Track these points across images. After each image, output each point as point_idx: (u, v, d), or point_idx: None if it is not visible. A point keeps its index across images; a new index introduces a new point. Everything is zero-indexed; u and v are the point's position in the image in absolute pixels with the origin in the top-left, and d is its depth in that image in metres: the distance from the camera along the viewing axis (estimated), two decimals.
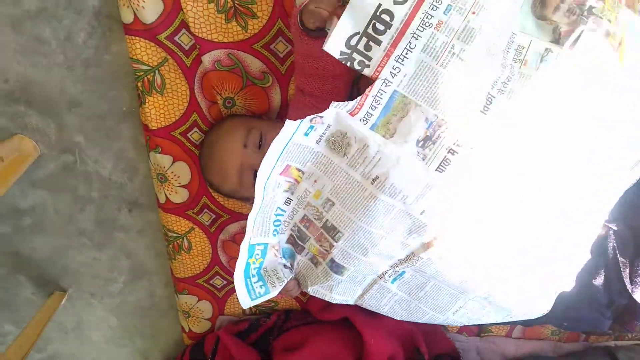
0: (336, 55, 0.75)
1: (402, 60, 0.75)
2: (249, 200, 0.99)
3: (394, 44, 0.74)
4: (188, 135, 1.08)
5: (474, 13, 0.73)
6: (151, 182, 1.18)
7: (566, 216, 0.85)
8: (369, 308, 1.00)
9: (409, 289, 0.94)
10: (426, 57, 0.74)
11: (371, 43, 0.74)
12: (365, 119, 0.78)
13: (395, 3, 0.73)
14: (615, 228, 1.00)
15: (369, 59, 0.75)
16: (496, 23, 0.74)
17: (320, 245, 0.89)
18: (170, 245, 1.22)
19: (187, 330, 1.35)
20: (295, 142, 0.78)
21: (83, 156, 1.18)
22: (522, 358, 1.35)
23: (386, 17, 0.73)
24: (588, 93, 0.78)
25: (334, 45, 0.75)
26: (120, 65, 1.07)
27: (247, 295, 0.86)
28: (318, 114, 0.76)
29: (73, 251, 1.33)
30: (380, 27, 0.74)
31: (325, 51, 0.75)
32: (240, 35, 0.96)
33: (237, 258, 1.18)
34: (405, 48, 0.74)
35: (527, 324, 1.28)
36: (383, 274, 0.92)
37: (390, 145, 0.77)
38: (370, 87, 0.76)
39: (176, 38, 0.98)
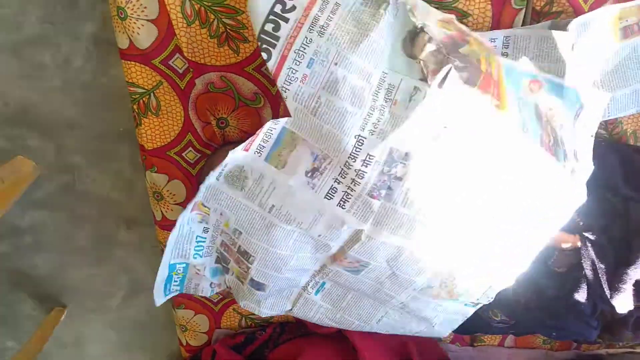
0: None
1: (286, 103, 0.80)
2: None
3: (283, 56, 0.79)
4: (183, 154, 1.11)
5: (336, 64, 0.77)
6: (148, 199, 1.21)
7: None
8: (300, 317, 1.05)
9: (331, 300, 1.00)
10: (299, 105, 0.80)
11: (266, 46, 0.79)
12: (259, 152, 0.83)
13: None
14: (592, 237, 1.03)
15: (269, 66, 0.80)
16: (362, 68, 0.77)
17: (239, 267, 0.95)
18: None
19: (184, 343, 1.37)
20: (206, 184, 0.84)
21: (81, 176, 1.22)
22: None
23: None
24: (465, 131, 0.79)
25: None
26: (116, 88, 1.11)
27: (162, 295, 0.96)
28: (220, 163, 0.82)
29: (72, 268, 1.36)
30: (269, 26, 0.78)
31: None
32: (232, 59, 0.99)
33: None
34: (282, 95, 0.80)
35: (518, 333, 1.31)
36: (306, 287, 0.98)
37: (283, 176, 0.82)
38: (260, 128, 0.81)
39: (170, 62, 1.01)
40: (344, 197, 0.82)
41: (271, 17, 0.78)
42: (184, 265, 0.97)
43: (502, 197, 0.84)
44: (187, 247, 0.95)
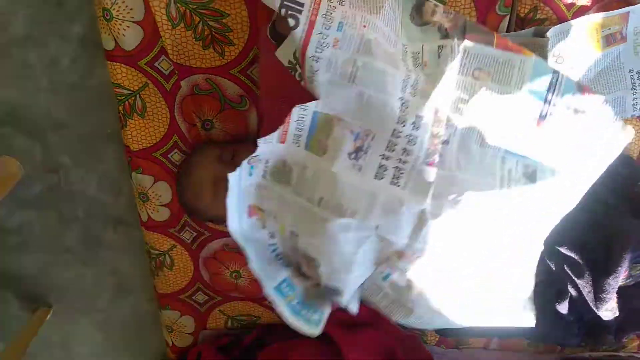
0: (285, 63, 0.79)
1: (311, 82, 0.77)
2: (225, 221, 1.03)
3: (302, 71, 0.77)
4: (169, 156, 1.11)
5: (364, 26, 0.76)
6: (134, 200, 1.21)
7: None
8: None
9: (399, 289, 0.92)
10: (333, 76, 0.77)
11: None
12: (296, 141, 0.79)
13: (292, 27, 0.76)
14: (568, 255, 1.02)
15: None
16: (387, 34, 0.78)
17: (311, 272, 0.89)
18: (153, 262, 1.24)
19: (170, 344, 1.38)
20: (245, 185, 0.80)
21: (68, 176, 1.22)
22: None
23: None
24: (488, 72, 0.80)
25: (283, 55, 0.79)
26: (103, 89, 1.11)
27: (309, 327, 0.86)
28: (252, 155, 0.77)
29: (59, 268, 1.36)
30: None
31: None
32: (217, 61, 1.00)
33: (218, 274, 1.23)
34: (310, 72, 0.76)
35: (503, 336, 1.31)
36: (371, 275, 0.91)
37: (325, 163, 0.79)
38: (288, 115, 0.78)
39: (156, 64, 1.02)
40: (396, 173, 0.78)
41: None
42: (286, 281, 0.88)
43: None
44: (271, 258, 0.88)
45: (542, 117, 0.81)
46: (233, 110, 1.06)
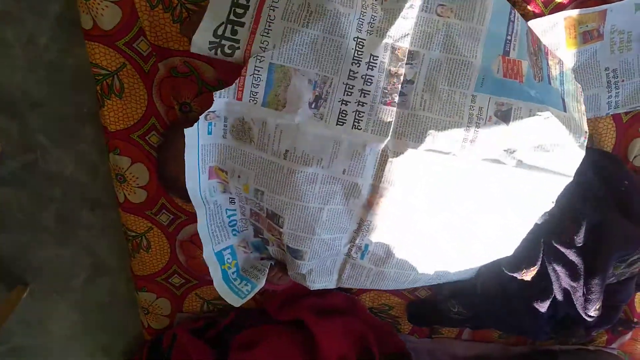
0: (205, 47, 0.80)
1: (267, 33, 0.78)
2: None
3: (256, 21, 0.78)
4: (146, 138, 1.11)
5: None
6: (112, 181, 1.21)
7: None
8: (352, 287, 1.02)
9: (380, 260, 0.94)
10: (287, 23, 0.78)
11: (236, 27, 0.79)
12: (253, 99, 0.79)
13: None
14: (563, 253, 1.03)
15: (237, 41, 0.79)
16: None
17: (272, 235, 0.91)
18: (130, 244, 1.25)
19: (146, 326, 1.38)
20: (205, 143, 0.80)
21: (45, 156, 1.21)
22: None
23: (243, 1, 0.78)
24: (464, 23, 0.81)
25: (201, 40, 0.80)
26: (82, 69, 1.10)
27: (235, 297, 0.89)
28: (209, 110, 0.78)
29: (35, 247, 1.36)
30: (239, 10, 0.78)
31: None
32: None
33: (194, 257, 1.24)
34: (266, 21, 0.78)
35: (473, 326, 1.33)
36: (349, 253, 0.93)
37: (286, 116, 0.79)
38: (244, 67, 0.78)
39: (134, 45, 1.01)
40: (357, 116, 0.79)
41: None
42: (230, 249, 0.91)
43: None
44: (222, 225, 0.89)
45: (506, 52, 0.81)
46: (210, 93, 1.05)
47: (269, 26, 0.78)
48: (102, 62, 1.02)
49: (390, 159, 0.80)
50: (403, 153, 0.80)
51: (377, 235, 0.90)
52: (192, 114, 1.08)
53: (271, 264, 0.98)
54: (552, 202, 0.87)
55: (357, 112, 0.79)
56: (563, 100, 0.84)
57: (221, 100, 0.79)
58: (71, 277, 1.41)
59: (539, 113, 0.78)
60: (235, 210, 0.91)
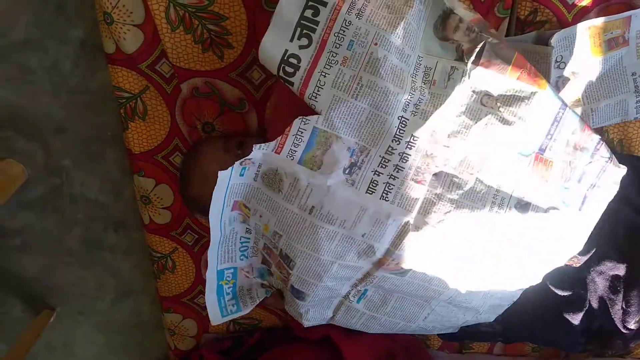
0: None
1: (315, 97, 0.78)
2: None
3: (305, 84, 0.78)
4: (170, 159, 1.12)
5: (376, 44, 0.77)
6: (136, 203, 1.21)
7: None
8: (342, 325, 1.03)
9: (375, 306, 0.97)
10: (337, 91, 0.78)
11: (285, 85, 0.79)
12: (291, 155, 0.81)
13: (300, 47, 0.78)
14: (603, 269, 1.01)
15: None
16: (401, 49, 0.78)
17: (280, 272, 0.93)
18: (155, 265, 1.25)
19: (172, 347, 1.38)
20: (235, 183, 0.81)
21: (70, 179, 1.22)
22: None
23: (294, 61, 0.78)
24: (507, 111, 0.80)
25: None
26: (105, 92, 1.12)
27: (218, 314, 0.90)
28: (246, 157, 0.80)
29: (61, 270, 1.37)
30: (289, 69, 0.78)
31: None
32: (216, 64, 1.00)
33: None
34: (316, 86, 0.78)
35: (505, 340, 1.30)
36: (347, 295, 0.95)
37: (319, 177, 0.80)
38: (288, 127, 0.79)
39: (157, 67, 1.02)
40: (386, 188, 0.81)
41: (310, 3, 0.77)
42: (232, 270, 0.93)
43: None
44: (233, 248, 0.91)
45: (541, 150, 0.81)
46: (232, 112, 1.06)
47: (318, 91, 0.78)
48: (125, 85, 1.03)
49: (411, 232, 0.82)
50: (423, 229, 0.82)
51: (378, 284, 0.92)
52: (214, 133, 1.08)
53: (266, 296, 1.00)
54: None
55: (388, 184, 0.81)
56: (584, 200, 0.85)
57: (259, 151, 0.80)
58: (96, 299, 1.42)
59: (554, 212, 0.82)
60: (249, 239, 0.94)
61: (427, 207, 0.82)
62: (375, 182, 0.80)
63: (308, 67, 0.78)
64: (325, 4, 0.77)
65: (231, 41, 0.97)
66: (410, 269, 0.87)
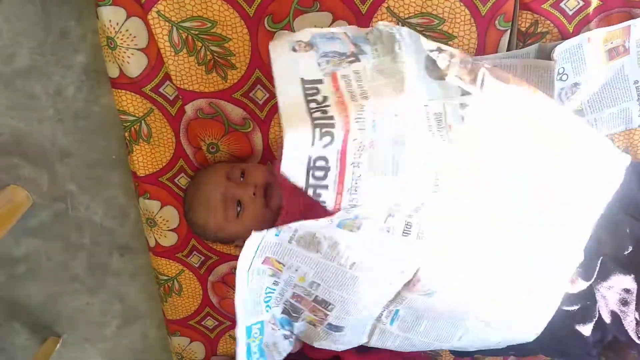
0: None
1: (355, 191, 0.73)
2: (235, 240, 1.03)
3: (340, 182, 0.73)
4: (175, 180, 1.11)
5: (396, 115, 0.73)
6: (142, 226, 1.21)
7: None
8: (379, 347, 1.00)
9: (407, 327, 0.94)
10: (376, 176, 0.74)
11: (318, 191, 0.72)
12: (330, 220, 0.76)
13: (325, 147, 0.70)
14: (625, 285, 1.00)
15: (324, 202, 0.73)
16: (413, 109, 0.75)
17: (315, 315, 0.90)
18: (161, 288, 1.24)
19: None
20: (269, 240, 0.79)
21: (75, 204, 1.22)
22: None
23: (321, 163, 0.71)
24: (516, 122, 0.81)
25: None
26: (108, 116, 1.12)
27: None
28: (286, 225, 0.76)
29: (66, 297, 1.35)
30: (319, 173, 0.71)
31: None
32: (220, 85, 1.00)
33: (227, 298, 1.22)
34: (352, 180, 0.73)
35: (520, 354, 1.29)
36: (380, 317, 0.92)
37: (359, 236, 0.78)
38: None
39: (161, 89, 1.02)
40: (420, 230, 0.79)
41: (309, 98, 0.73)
42: (260, 325, 0.90)
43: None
44: (258, 301, 0.88)
45: None
46: (237, 132, 1.06)
47: (357, 184, 0.74)
48: (129, 109, 1.03)
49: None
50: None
51: (409, 305, 0.90)
52: (219, 153, 1.08)
53: (290, 348, 0.99)
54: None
55: (419, 224, 0.79)
56: None
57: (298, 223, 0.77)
58: (102, 325, 1.40)
59: None
60: (274, 290, 0.90)
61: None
62: (409, 224, 0.78)
63: (339, 164, 0.72)
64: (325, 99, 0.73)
65: (234, 62, 0.98)
66: (436, 291, 0.86)
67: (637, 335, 1.02)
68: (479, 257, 0.86)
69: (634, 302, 1.00)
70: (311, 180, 0.72)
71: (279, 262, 0.84)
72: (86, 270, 1.31)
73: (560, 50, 0.93)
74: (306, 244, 0.80)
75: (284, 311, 0.93)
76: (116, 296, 1.36)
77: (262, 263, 0.83)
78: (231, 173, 0.98)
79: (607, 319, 1.04)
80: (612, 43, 0.97)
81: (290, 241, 0.81)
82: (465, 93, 0.77)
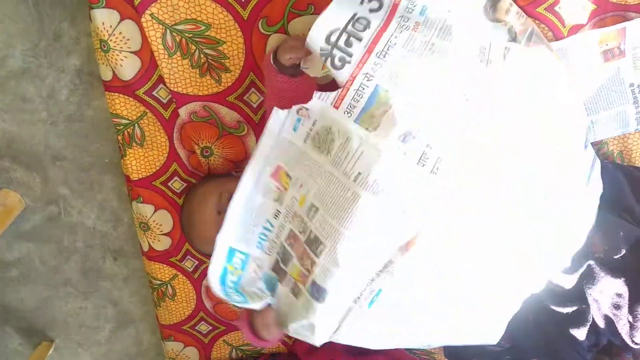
0: (319, 44, 0.77)
1: (384, 56, 0.76)
2: None
3: (375, 41, 0.76)
4: (169, 184, 1.11)
5: (449, 11, 0.77)
6: (135, 230, 1.20)
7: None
8: (344, 342, 0.96)
9: (384, 313, 0.90)
10: (407, 52, 0.76)
11: (352, 39, 0.76)
12: (349, 112, 0.76)
13: (371, 11, 0.76)
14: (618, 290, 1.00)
15: (350, 55, 0.76)
16: (468, 23, 0.79)
17: (302, 265, 0.86)
18: (155, 293, 1.23)
19: None
20: (285, 137, 0.79)
21: (68, 207, 1.21)
22: None
23: (364, 22, 0.76)
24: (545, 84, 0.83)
25: (314, 41, 0.77)
26: (101, 120, 1.11)
27: (221, 290, 0.84)
28: (304, 105, 0.76)
29: (59, 301, 1.34)
30: (359, 26, 0.76)
31: (301, 90, 0.81)
32: (214, 89, 1.00)
33: (221, 303, 1.21)
34: (386, 44, 0.76)
35: (516, 357, 1.28)
36: (358, 298, 0.88)
37: (373, 139, 0.76)
38: (350, 80, 0.76)
39: (154, 93, 1.02)
40: (437, 163, 0.76)
41: None
42: (245, 257, 0.86)
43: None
44: (253, 229, 0.86)
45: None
46: (231, 136, 1.05)
47: (388, 49, 0.76)
48: (122, 112, 1.02)
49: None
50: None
51: (394, 281, 0.86)
52: (212, 157, 1.07)
53: (269, 303, 0.92)
54: None
55: (439, 159, 0.77)
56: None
57: (318, 102, 0.77)
58: (96, 330, 1.39)
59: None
60: (273, 227, 0.88)
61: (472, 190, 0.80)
62: (426, 155, 0.76)
63: (378, 29, 0.76)
64: None
65: (228, 65, 0.97)
66: (425, 269, 0.84)
67: (631, 338, 1.01)
68: (489, 247, 0.84)
69: (627, 306, 0.99)
70: (349, 27, 0.76)
71: (288, 176, 0.82)
72: (79, 274, 1.30)
73: (555, 49, 0.93)
74: (319, 142, 0.79)
75: (274, 266, 0.89)
76: (109, 300, 1.35)
77: (272, 176, 0.82)
78: (221, 205, 0.96)
79: (601, 323, 1.04)
80: (607, 45, 0.96)
81: (306, 140, 0.80)
82: (512, 39, 0.81)
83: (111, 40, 0.95)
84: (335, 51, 0.76)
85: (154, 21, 0.93)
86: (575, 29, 0.95)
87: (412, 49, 0.76)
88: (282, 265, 0.88)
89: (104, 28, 0.94)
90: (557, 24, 0.95)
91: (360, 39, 0.76)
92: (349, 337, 0.95)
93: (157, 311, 1.26)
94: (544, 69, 0.83)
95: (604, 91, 1.00)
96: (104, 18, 0.93)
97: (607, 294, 1.00)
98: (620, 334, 1.02)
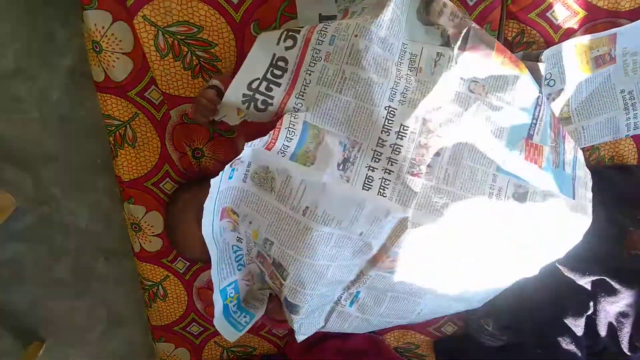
0: (239, 99, 0.80)
1: (302, 96, 0.79)
2: None
3: (292, 85, 0.79)
4: (160, 185, 1.10)
5: (356, 36, 0.77)
6: (127, 231, 1.20)
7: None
8: (333, 331, 1.00)
9: (368, 309, 0.94)
10: (322, 87, 0.78)
11: (272, 85, 0.80)
12: (282, 151, 0.79)
13: (287, 49, 0.79)
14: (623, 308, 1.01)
15: (271, 97, 0.80)
16: (384, 38, 0.78)
17: (274, 283, 0.90)
18: (146, 293, 1.22)
19: None
20: (223, 188, 0.80)
21: (59, 208, 1.21)
22: None
23: (282, 64, 0.80)
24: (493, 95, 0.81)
25: (235, 91, 0.80)
26: (93, 120, 1.11)
27: (233, 331, 0.89)
28: (237, 158, 0.77)
29: (51, 301, 1.34)
30: (277, 72, 0.80)
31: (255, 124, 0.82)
32: None
33: (212, 304, 1.21)
34: (302, 85, 0.79)
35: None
36: (339, 300, 0.92)
37: (313, 173, 0.78)
38: (280, 120, 0.78)
39: (146, 94, 1.02)
40: (383, 183, 0.78)
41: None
42: (234, 284, 0.91)
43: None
44: (229, 262, 0.89)
45: (530, 136, 0.82)
46: (222, 138, 1.05)
47: (304, 89, 0.79)
48: (114, 113, 1.02)
49: (408, 229, 0.80)
50: (422, 225, 0.80)
51: (372, 284, 0.89)
52: (203, 159, 1.07)
53: (270, 293, 0.96)
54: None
55: (384, 180, 0.79)
56: (573, 187, 0.86)
57: (250, 148, 0.78)
58: (87, 330, 1.39)
59: (552, 199, 0.81)
60: (240, 248, 0.91)
61: (424, 201, 0.79)
62: (370, 177, 0.78)
63: (295, 68, 0.79)
64: None
65: (220, 67, 0.97)
66: (402, 268, 0.85)
67: (629, 347, 1.02)
68: (487, 241, 0.85)
69: (634, 316, 1.00)
70: (269, 75, 0.80)
71: (234, 213, 0.85)
72: (71, 274, 1.30)
73: (547, 54, 0.93)
74: (260, 181, 0.81)
75: (260, 269, 0.93)
76: (101, 301, 1.35)
77: (221, 219, 0.84)
78: (200, 216, 0.96)
79: (603, 331, 1.04)
80: (598, 50, 0.97)
81: (245, 179, 0.82)
82: (444, 44, 0.80)
83: (103, 41, 0.95)
84: (257, 95, 0.80)
85: (147, 23, 0.93)
86: (567, 35, 0.95)
87: (326, 82, 0.79)
88: (262, 273, 0.92)
89: (96, 29, 0.94)
90: (549, 30, 0.95)
91: (279, 85, 0.80)
92: (336, 328, 0.99)
93: (148, 312, 1.25)
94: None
95: (595, 97, 1.00)
96: (97, 19, 0.93)
97: (618, 305, 1.01)
98: (620, 341, 1.03)
